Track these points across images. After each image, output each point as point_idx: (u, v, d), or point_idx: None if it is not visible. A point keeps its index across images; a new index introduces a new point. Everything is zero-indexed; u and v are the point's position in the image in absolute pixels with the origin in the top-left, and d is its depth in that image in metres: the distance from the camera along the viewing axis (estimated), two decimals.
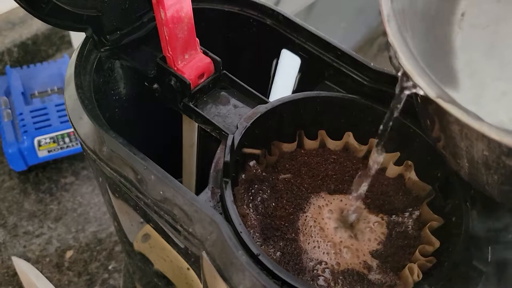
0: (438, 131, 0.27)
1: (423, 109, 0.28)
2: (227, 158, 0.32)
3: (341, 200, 0.37)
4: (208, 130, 0.36)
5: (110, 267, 0.63)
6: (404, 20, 0.24)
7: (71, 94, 0.34)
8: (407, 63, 0.23)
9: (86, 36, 0.37)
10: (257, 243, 0.33)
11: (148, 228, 0.44)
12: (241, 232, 0.29)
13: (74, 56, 0.36)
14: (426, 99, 0.23)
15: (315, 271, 0.33)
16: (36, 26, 0.80)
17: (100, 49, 0.37)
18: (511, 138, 0.20)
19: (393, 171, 0.38)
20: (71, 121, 0.33)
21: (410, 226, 0.36)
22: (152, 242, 0.48)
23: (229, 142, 0.32)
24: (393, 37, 0.23)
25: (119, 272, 0.63)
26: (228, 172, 0.32)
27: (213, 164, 0.33)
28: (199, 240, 0.29)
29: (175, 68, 0.36)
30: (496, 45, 0.27)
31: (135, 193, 0.31)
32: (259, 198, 0.36)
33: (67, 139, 0.68)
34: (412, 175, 0.37)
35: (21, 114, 0.67)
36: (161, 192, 0.30)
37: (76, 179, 0.71)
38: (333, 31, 1.03)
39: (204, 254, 0.29)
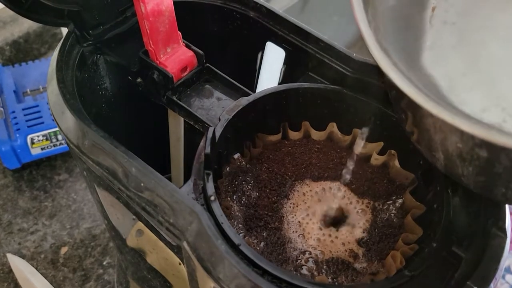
0: (412, 125, 0.27)
1: (396, 104, 0.28)
2: (208, 150, 0.32)
3: (326, 187, 0.37)
4: (192, 123, 0.36)
5: (104, 263, 0.64)
6: (376, 21, 0.24)
7: (53, 89, 0.34)
8: (378, 55, 0.23)
9: (68, 31, 0.37)
10: (240, 234, 0.34)
11: (141, 224, 0.44)
12: (222, 223, 0.29)
13: (56, 51, 0.36)
14: (399, 94, 0.23)
15: (298, 260, 0.33)
16: (27, 24, 0.80)
17: (82, 44, 0.37)
18: (483, 130, 0.20)
19: (377, 160, 0.38)
20: (54, 116, 0.34)
21: (393, 214, 0.36)
22: (145, 237, 0.48)
23: (209, 135, 0.33)
24: (366, 35, 0.23)
25: (113, 267, 0.63)
26: (210, 164, 0.32)
27: (196, 157, 0.34)
28: (180, 231, 0.29)
29: (158, 62, 0.36)
30: (463, 42, 0.27)
31: (117, 185, 0.31)
32: (242, 189, 0.36)
33: (59, 136, 0.68)
34: (395, 163, 0.37)
35: (13, 112, 0.68)
36: (142, 184, 0.30)
37: (70, 176, 0.71)
38: (328, 23, 1.03)
39: (185, 244, 0.29)
